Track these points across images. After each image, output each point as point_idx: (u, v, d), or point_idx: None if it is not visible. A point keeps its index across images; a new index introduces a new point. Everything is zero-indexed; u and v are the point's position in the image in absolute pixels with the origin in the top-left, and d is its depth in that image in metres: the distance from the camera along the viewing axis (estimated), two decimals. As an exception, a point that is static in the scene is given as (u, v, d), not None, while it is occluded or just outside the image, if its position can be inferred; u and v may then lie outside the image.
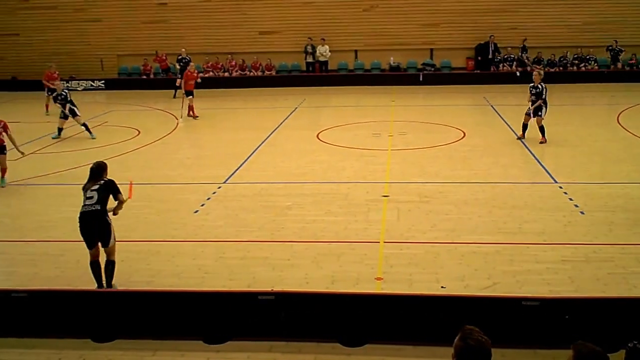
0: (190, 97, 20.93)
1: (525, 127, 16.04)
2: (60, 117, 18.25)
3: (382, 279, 8.35)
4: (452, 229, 10.09)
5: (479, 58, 27.83)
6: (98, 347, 7.21)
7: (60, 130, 18.23)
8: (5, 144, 13.45)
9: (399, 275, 8.46)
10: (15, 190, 13.32)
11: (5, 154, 13.52)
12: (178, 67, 25.56)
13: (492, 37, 27.34)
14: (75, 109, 18.17)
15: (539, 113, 15.76)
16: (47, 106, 22.20)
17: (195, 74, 21.58)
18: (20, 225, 11.16)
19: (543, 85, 15.94)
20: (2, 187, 13.45)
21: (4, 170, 13.61)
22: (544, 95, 15.83)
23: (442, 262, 8.87)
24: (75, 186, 13.22)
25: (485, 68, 27.79)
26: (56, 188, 13.35)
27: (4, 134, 13.43)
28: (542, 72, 16.64)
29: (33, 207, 12.18)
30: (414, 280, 8.28)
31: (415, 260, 8.95)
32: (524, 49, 27.69)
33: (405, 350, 6.89)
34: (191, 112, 20.91)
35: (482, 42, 27.73)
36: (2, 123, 13.47)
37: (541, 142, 15.45)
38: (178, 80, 23.61)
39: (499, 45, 27.69)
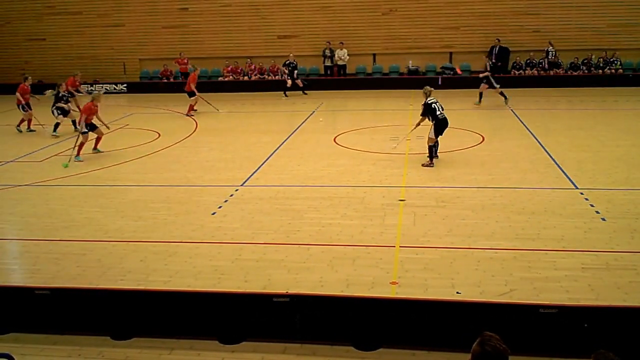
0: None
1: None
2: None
3: (397, 283, 8.38)
4: (469, 234, 10.09)
5: (493, 61, 27.70)
6: (117, 344, 7.37)
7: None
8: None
9: (415, 279, 8.49)
10: (41, 191, 13.57)
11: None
12: (286, 70, 26.28)
13: (499, 40, 27.19)
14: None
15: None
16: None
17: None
18: (45, 225, 11.38)
19: None
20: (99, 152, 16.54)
21: (98, 140, 16.67)
22: None
23: (458, 268, 8.86)
24: (97, 187, 13.58)
25: (505, 72, 27.73)
26: (79, 189, 13.57)
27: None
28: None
29: (57, 207, 12.41)
30: (430, 285, 8.29)
31: (431, 265, 8.97)
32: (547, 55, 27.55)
33: (419, 355, 6.93)
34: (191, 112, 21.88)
35: (502, 46, 27.65)
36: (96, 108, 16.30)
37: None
38: (289, 82, 25.63)
39: (521, 48, 27.55)
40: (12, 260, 10.26)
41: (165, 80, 29.65)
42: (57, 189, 13.70)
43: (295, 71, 26.37)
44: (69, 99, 20.16)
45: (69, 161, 15.54)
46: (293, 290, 7.91)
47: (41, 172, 15.04)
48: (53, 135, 19.20)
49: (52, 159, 16.37)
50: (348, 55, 28.20)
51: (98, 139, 16.77)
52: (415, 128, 14.93)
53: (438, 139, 14.36)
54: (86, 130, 16.16)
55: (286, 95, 26.03)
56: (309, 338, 7.22)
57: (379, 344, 7.07)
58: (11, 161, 16.43)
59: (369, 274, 8.72)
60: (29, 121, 20.35)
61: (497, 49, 27.08)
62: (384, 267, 8.94)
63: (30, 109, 20.13)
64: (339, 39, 28.18)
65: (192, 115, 21.87)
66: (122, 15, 29.67)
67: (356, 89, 27.18)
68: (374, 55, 29.06)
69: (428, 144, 14.35)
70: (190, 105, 22.06)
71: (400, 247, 9.66)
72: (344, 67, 28.44)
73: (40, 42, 30.52)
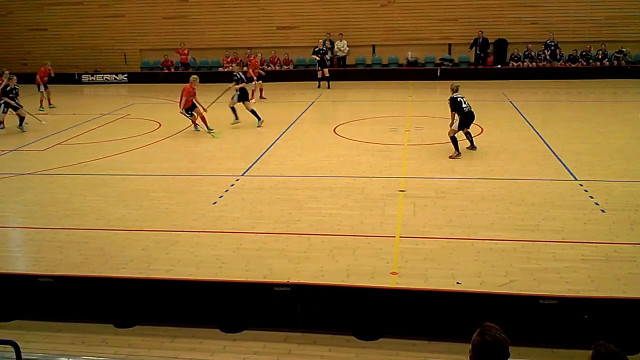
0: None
1: None
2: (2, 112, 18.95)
3: (397, 273, 8.45)
4: (469, 225, 10.15)
5: (477, 53, 27.78)
6: (119, 332, 7.45)
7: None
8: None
9: (415, 270, 8.55)
10: (44, 180, 13.63)
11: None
12: (317, 58, 25.99)
13: (482, 32, 27.27)
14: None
15: None
16: (41, 101, 22.40)
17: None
18: (48, 213, 11.44)
19: None
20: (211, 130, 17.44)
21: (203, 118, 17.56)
22: None
23: (458, 258, 8.92)
24: (99, 176, 13.64)
25: (503, 64, 27.80)
26: (81, 178, 13.64)
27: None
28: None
29: (60, 195, 12.47)
30: (430, 276, 8.35)
31: (431, 255, 9.04)
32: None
33: (419, 345, 7.00)
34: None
35: (501, 38, 27.70)
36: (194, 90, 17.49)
37: None
38: (320, 72, 25.77)
39: (519, 40, 27.59)
40: (15, 248, 10.34)
41: (166, 71, 29.65)
42: (60, 177, 13.76)
43: (326, 57, 26.22)
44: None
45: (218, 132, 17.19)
46: (294, 280, 7.99)
47: (44, 161, 15.09)
48: None
49: (54, 148, 16.41)
50: (347, 46, 28.22)
51: (203, 118, 17.66)
52: (453, 123, 14.48)
53: (462, 130, 14.41)
54: (190, 113, 17.56)
55: (319, 87, 25.93)
56: (310, 327, 7.29)
57: (379, 334, 7.14)
58: (14, 150, 16.48)
59: (369, 264, 8.79)
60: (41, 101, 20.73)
61: (480, 40, 27.20)
62: (384, 257, 9.01)
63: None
64: (339, 30, 28.20)
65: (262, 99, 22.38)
66: (123, 5, 29.68)
67: (355, 80, 27.21)
68: (374, 46, 29.09)
69: (449, 134, 14.44)
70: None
71: (400, 237, 9.73)
72: (343, 58, 28.46)
73: (41, 32, 30.53)
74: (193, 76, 17.95)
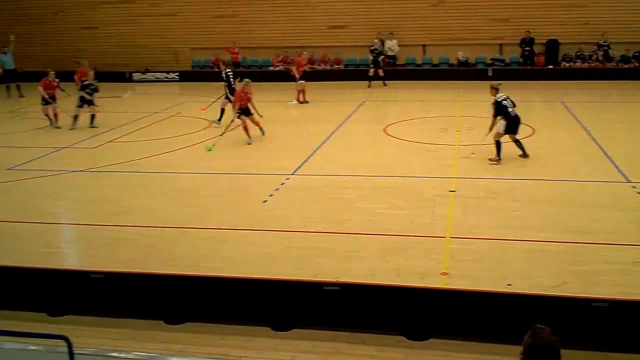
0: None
1: None
2: (78, 106, 19.23)
3: (447, 274, 8.34)
4: (520, 226, 9.96)
5: (525, 53, 27.23)
6: (170, 329, 7.51)
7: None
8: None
9: (465, 271, 8.43)
10: (95, 177, 13.88)
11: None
12: (371, 56, 26.04)
13: (529, 32, 26.79)
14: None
15: None
16: None
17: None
18: (100, 210, 11.63)
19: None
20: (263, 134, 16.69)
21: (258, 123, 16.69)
22: None
23: (508, 260, 8.78)
24: (150, 174, 13.80)
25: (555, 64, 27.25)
26: (132, 175, 13.84)
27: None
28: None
29: (111, 193, 12.68)
30: (480, 277, 8.22)
31: (481, 256, 8.90)
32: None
33: (469, 346, 6.90)
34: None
35: (552, 38, 27.17)
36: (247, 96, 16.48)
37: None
38: (372, 70, 25.62)
39: (569, 41, 27.00)
40: (68, 245, 10.54)
41: (217, 70, 29.89)
42: (111, 175, 13.99)
43: (382, 57, 26.10)
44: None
45: (213, 145, 15.66)
46: (343, 279, 7.93)
47: (95, 159, 15.38)
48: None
49: (106, 146, 16.69)
50: (398, 46, 28.03)
51: (257, 123, 16.83)
52: (490, 132, 13.72)
53: (510, 134, 13.72)
54: (239, 114, 16.46)
55: (370, 86, 25.82)
56: (359, 327, 7.24)
57: (429, 334, 7.06)
58: (66, 147, 16.81)
59: (419, 264, 8.69)
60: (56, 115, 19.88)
61: (527, 40, 26.77)
62: (434, 257, 8.90)
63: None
64: (389, 29, 28.01)
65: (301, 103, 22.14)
66: (175, 4, 29.99)
67: (405, 80, 26.99)
68: (424, 46, 28.81)
69: (495, 138, 13.62)
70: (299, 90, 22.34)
71: (450, 237, 9.60)
72: (393, 57, 28.29)
73: (93, 31, 31.07)
74: (245, 80, 17.36)
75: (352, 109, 20.85)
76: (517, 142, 13.86)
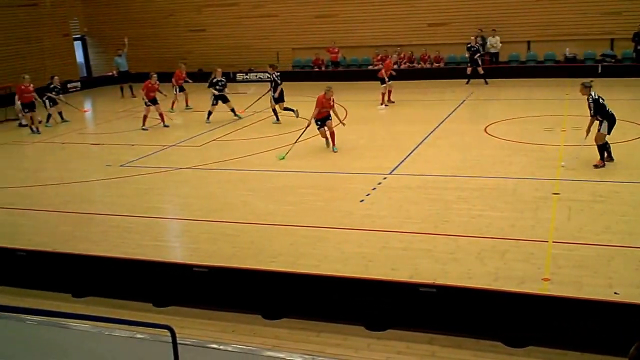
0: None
1: None
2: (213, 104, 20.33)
3: (549, 279, 8.08)
4: (629, 232, 9.51)
5: (638, 48, 25.71)
6: (267, 323, 7.69)
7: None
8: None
9: (568, 277, 8.15)
10: (200, 174, 14.38)
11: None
12: (467, 54, 25.93)
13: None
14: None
15: None
16: (173, 103, 22.97)
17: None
18: (204, 206, 12.04)
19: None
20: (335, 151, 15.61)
21: (332, 135, 15.71)
22: None
23: (616, 267, 8.40)
24: (251, 172, 14.14)
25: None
26: (234, 173, 14.24)
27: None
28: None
29: (214, 190, 13.10)
30: (584, 284, 7.92)
31: (585, 262, 8.57)
32: None
33: (571, 356, 6.69)
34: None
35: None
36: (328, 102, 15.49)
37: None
38: (469, 68, 25.53)
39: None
40: (173, 239, 10.99)
41: (317, 69, 30.23)
42: (214, 172, 14.44)
43: (478, 55, 25.74)
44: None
45: (286, 153, 15.21)
46: (440, 281, 7.87)
47: (200, 156, 15.91)
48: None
49: (210, 144, 17.23)
50: (500, 42, 27.37)
51: (332, 135, 15.79)
52: (588, 135, 12.99)
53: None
54: (318, 125, 15.65)
55: (468, 82, 25.54)
56: (455, 330, 7.17)
57: (527, 342, 6.88)
58: (173, 145, 17.47)
59: (519, 268, 8.48)
60: (161, 115, 20.56)
61: None
62: (535, 262, 8.66)
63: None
64: (491, 25, 27.38)
65: (387, 105, 21.97)
66: (276, 5, 30.53)
67: (508, 78, 26.31)
68: (529, 42, 27.96)
69: (597, 142, 12.85)
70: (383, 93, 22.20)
71: (553, 242, 9.30)
72: (496, 55, 27.66)
73: (200, 33, 32.10)
74: (328, 85, 16.35)
75: (451, 108, 20.56)
76: (607, 145, 13.04)
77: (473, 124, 18.06)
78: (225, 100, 20.57)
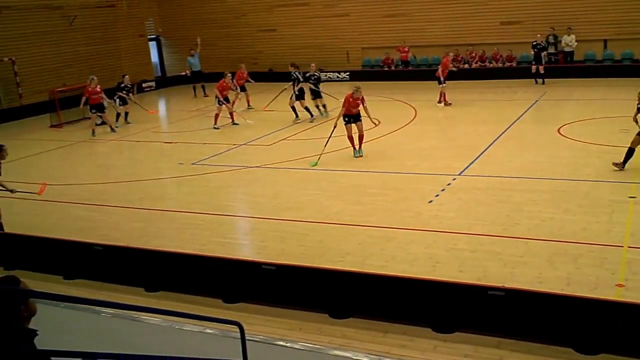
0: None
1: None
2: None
3: (623, 285, 7.86)
4: None
5: None
6: (334, 322, 7.74)
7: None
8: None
9: (643, 283, 7.94)
10: (269, 173, 14.57)
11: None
12: (533, 52, 25.51)
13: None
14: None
15: None
16: (233, 103, 22.40)
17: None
18: (273, 205, 12.21)
19: None
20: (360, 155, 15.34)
21: (361, 138, 15.45)
22: None
23: (697, 274, 8.12)
24: (320, 172, 14.22)
25: None
26: (303, 172, 14.38)
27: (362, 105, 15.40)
28: None
29: (283, 188, 13.27)
30: (662, 291, 7.68)
31: (663, 268, 8.31)
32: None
33: (645, 364, 6.49)
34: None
35: None
36: (355, 102, 15.28)
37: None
38: (534, 67, 25.10)
39: None
40: (243, 236, 11.19)
41: (387, 69, 30.15)
42: (284, 171, 14.61)
43: (544, 53, 25.21)
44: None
45: (318, 159, 14.99)
46: (509, 285, 7.75)
47: (269, 155, 16.11)
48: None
49: (279, 143, 17.42)
50: (576, 41, 26.63)
51: (360, 138, 15.53)
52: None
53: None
54: (345, 121, 15.40)
55: (536, 82, 25.17)
56: (525, 335, 7.05)
57: (600, 349, 6.71)
58: (243, 144, 17.76)
59: (592, 273, 8.28)
60: (231, 114, 20.93)
61: None
62: (609, 267, 8.43)
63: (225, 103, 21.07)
64: (566, 24, 26.64)
65: (450, 104, 21.79)
66: (347, 4, 30.55)
67: (583, 77, 25.60)
68: (605, 41, 27.10)
69: (632, 145, 12.44)
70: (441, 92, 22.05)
71: (628, 247, 9.04)
72: (570, 53, 26.94)
73: (271, 33, 32.43)
74: (355, 86, 15.74)
75: (524, 108, 20.16)
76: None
77: (546, 125, 17.66)
78: (317, 96, 20.63)
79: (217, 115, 20.50)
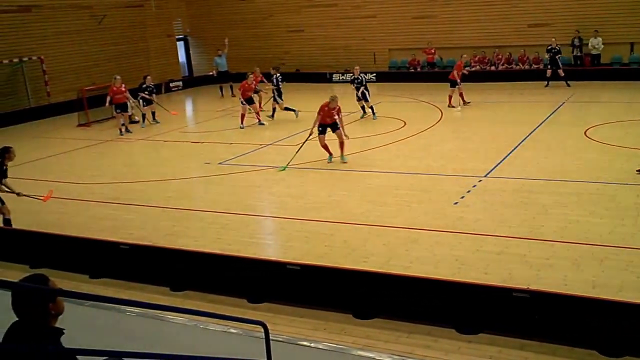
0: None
1: None
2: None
3: (648, 289, 7.85)
4: None
5: None
6: (359, 323, 7.77)
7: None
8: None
9: (669, 287, 7.89)
10: (295, 173, 14.64)
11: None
12: (547, 56, 25.56)
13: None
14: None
15: None
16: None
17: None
18: (298, 205, 12.29)
19: None
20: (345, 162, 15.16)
21: (341, 145, 15.21)
22: None
23: None
24: (346, 172, 14.27)
25: None
26: (330, 172, 14.46)
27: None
28: None
29: (309, 188, 13.35)
30: (689, 295, 7.64)
31: (689, 272, 8.25)
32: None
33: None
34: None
35: None
36: (330, 111, 15.02)
37: None
38: (549, 71, 25.05)
39: None
40: (268, 236, 11.27)
41: (413, 70, 30.10)
42: (310, 171, 14.68)
43: (558, 56, 25.03)
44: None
45: (287, 165, 15.02)
46: (534, 287, 7.74)
47: (296, 156, 16.14)
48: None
49: (306, 143, 17.43)
50: (602, 44, 26.33)
51: (341, 145, 15.26)
52: None
53: None
54: (319, 130, 15.25)
55: (547, 85, 24.97)
56: (549, 337, 7.04)
57: (624, 352, 6.69)
58: (270, 144, 17.86)
59: (618, 276, 8.24)
60: (257, 114, 21.10)
61: None
62: (635, 270, 8.38)
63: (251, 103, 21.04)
64: (593, 26, 26.37)
65: (454, 107, 21.75)
66: (375, 6, 30.55)
67: (610, 80, 25.34)
68: (632, 44, 26.76)
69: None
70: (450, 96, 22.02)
71: (655, 251, 8.99)
72: (597, 56, 26.64)
73: (299, 33, 32.53)
74: (332, 95, 15.49)
75: (550, 110, 20.02)
76: None
77: (573, 127, 17.51)
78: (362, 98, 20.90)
79: (242, 115, 20.67)
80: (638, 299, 7.48)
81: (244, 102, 20.61)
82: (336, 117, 15.13)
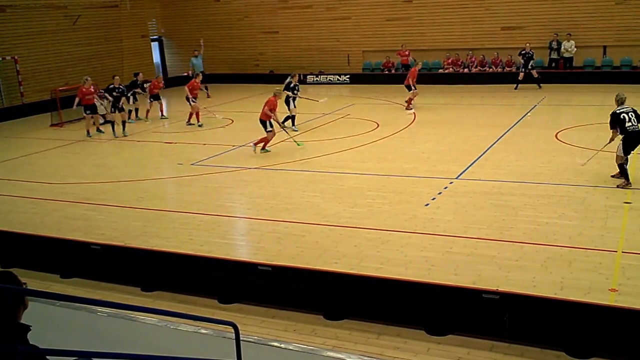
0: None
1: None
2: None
3: (617, 290, 7.91)
4: None
5: None
6: (328, 324, 7.79)
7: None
8: None
9: (637, 288, 7.97)
10: (268, 174, 14.61)
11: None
12: (522, 60, 25.72)
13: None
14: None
15: None
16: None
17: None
18: (270, 206, 12.24)
19: None
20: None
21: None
22: None
23: (687, 279, 8.17)
24: (318, 173, 14.27)
25: None
26: (302, 174, 14.41)
27: None
28: None
29: (281, 190, 13.30)
30: (654, 296, 7.72)
31: (656, 274, 8.35)
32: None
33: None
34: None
35: None
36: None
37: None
38: (521, 74, 25.33)
39: None
40: (239, 237, 11.23)
41: (387, 72, 30.20)
42: (282, 173, 14.65)
43: (532, 62, 25.36)
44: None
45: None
46: (503, 288, 7.80)
47: (268, 157, 16.14)
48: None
49: (278, 145, 17.45)
50: (575, 47, 26.67)
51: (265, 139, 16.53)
52: (609, 143, 12.67)
53: (627, 156, 12.14)
54: (270, 130, 16.47)
55: (517, 88, 25.27)
56: (518, 338, 7.10)
57: (592, 353, 6.76)
58: (242, 145, 17.79)
59: (586, 278, 8.33)
60: (197, 114, 21.51)
61: None
62: (603, 272, 8.48)
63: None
64: (566, 30, 26.73)
65: (412, 110, 21.82)
66: (349, 8, 30.61)
67: (582, 83, 25.67)
68: (605, 47, 27.15)
69: (617, 162, 12.20)
70: (409, 99, 22.09)
71: (622, 252, 9.09)
72: (570, 59, 26.98)
73: (273, 35, 32.51)
74: (277, 89, 17.03)
75: (522, 113, 20.22)
76: (625, 163, 12.20)
77: (544, 130, 17.69)
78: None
79: (197, 114, 21.32)
80: (606, 300, 7.61)
81: (194, 100, 21.20)
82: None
